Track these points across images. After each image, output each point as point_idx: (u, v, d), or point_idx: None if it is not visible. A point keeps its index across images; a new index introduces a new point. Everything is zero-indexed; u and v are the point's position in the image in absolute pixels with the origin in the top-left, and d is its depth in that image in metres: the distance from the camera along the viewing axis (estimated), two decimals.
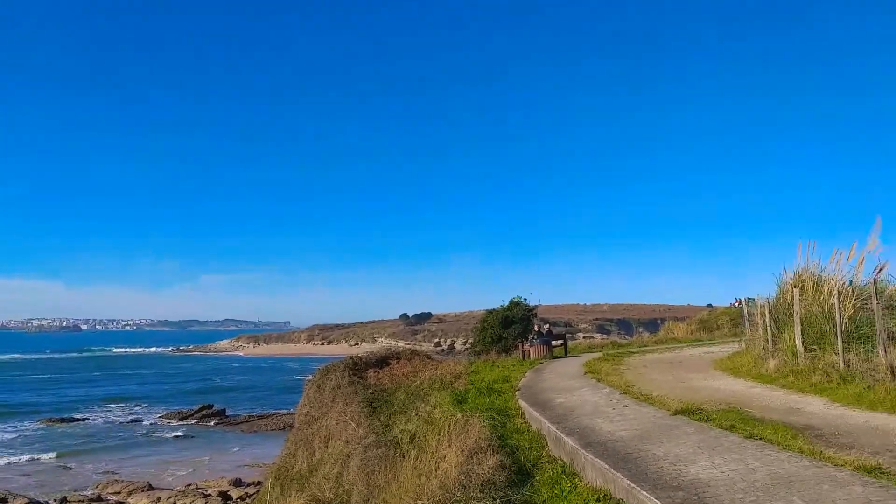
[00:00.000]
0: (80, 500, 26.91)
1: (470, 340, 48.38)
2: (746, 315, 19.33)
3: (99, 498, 27.73)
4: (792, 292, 14.54)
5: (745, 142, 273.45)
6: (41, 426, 46.36)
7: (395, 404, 16.73)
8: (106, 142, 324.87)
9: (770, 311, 15.94)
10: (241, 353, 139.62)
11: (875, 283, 11.97)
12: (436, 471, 9.67)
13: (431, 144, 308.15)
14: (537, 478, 7.52)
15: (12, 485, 29.36)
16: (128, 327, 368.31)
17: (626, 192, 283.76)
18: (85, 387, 72.96)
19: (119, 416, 52.13)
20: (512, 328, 28.35)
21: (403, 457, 12.51)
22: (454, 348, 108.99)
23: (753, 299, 18.52)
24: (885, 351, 10.72)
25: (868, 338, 11.77)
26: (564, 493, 6.66)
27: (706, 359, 18.35)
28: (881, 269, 14.03)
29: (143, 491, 28.15)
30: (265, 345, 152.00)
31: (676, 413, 8.95)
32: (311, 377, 24.34)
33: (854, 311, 12.91)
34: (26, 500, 26.18)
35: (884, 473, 5.40)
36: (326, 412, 20.82)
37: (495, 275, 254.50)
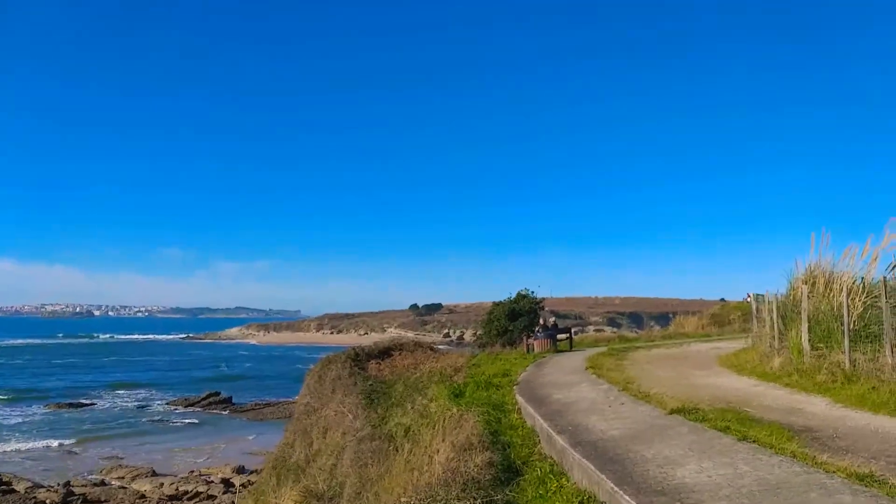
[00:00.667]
0: (83, 485, 27.02)
1: (479, 332, 48.17)
2: (755, 311, 18.98)
3: (103, 483, 27.87)
4: (801, 288, 14.19)
5: (766, 135, 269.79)
6: (48, 411, 46.67)
7: (394, 397, 16.58)
8: (128, 136, 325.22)
9: (778, 308, 15.59)
10: (251, 341, 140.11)
11: (884, 280, 11.63)
12: (428, 465, 9.52)
13: (445, 141, 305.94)
14: (525, 476, 7.31)
15: (17, 468, 29.61)
16: (140, 314, 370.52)
17: (640, 193, 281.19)
18: (94, 373, 73.43)
19: (127, 401, 52.43)
20: (518, 321, 28.11)
21: (397, 450, 12.37)
22: (463, 339, 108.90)
23: (763, 295, 18.16)
24: (892, 351, 10.40)
25: (876, 337, 11.43)
26: (549, 494, 6.44)
27: (712, 355, 18.03)
28: (895, 267, 13.69)
29: (146, 476, 28.26)
30: (275, 333, 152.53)
31: (672, 412, 8.69)
32: (312, 367, 24.29)
33: (864, 310, 12.54)
34: (30, 484, 26.36)
35: (876, 481, 5.12)
36: (326, 403, 20.71)
37: (508, 267, 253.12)
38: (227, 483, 27.22)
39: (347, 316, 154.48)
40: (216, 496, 25.78)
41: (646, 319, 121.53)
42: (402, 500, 7.60)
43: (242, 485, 26.53)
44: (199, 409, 47.95)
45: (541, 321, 25.51)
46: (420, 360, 21.32)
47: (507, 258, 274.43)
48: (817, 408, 9.08)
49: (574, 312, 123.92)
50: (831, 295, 13.70)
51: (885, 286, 11.11)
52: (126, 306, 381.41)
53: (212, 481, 27.63)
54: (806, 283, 14.68)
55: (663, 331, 38.46)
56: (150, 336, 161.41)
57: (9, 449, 34.49)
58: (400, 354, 23.14)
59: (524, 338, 24.46)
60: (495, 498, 6.47)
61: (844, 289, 12.41)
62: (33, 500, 24.62)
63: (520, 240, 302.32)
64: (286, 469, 17.40)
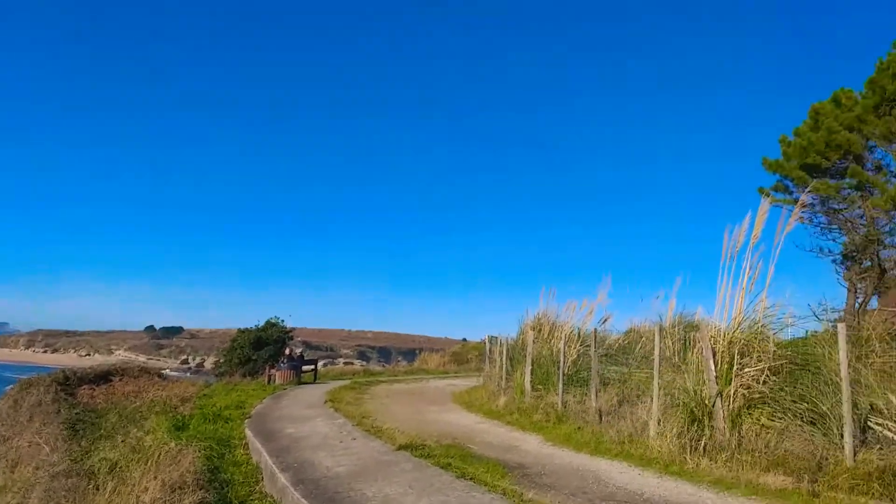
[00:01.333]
0: None
1: (220, 360, 45.21)
2: (488, 352, 20.31)
3: None
4: (529, 333, 15.50)
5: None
6: None
7: (104, 428, 14.59)
8: None
9: (508, 350, 16.85)
10: None
11: (595, 331, 13.12)
12: None
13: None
14: None
15: None
16: None
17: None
18: None
19: None
20: (264, 350, 26.90)
21: (98, 489, 10.84)
22: (203, 367, 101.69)
23: (497, 337, 19.49)
24: (597, 395, 11.66)
25: (585, 381, 12.78)
26: None
27: (448, 391, 18.81)
28: (606, 320, 15.79)
29: None
30: None
31: (400, 448, 8.69)
32: (8, 389, 20.62)
33: (577, 356, 14.06)
34: None
35: None
36: (20, 432, 17.68)
37: (268, 296, 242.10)
38: None
39: (67, 333, 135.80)
40: None
41: (394, 354, 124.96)
42: None
43: None
44: None
45: (286, 351, 24.63)
46: (144, 388, 19.19)
47: (266, 287, 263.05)
48: (531, 445, 9.74)
49: (326, 344, 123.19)
50: (552, 342, 15.20)
51: (595, 336, 12.50)
52: None
53: None
54: (533, 330, 16.13)
55: (408, 366, 39.58)
56: None
57: None
58: (121, 380, 20.58)
59: (267, 368, 23.36)
60: None
61: (563, 336, 13.78)
62: None
63: (279, 271, 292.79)
64: None
